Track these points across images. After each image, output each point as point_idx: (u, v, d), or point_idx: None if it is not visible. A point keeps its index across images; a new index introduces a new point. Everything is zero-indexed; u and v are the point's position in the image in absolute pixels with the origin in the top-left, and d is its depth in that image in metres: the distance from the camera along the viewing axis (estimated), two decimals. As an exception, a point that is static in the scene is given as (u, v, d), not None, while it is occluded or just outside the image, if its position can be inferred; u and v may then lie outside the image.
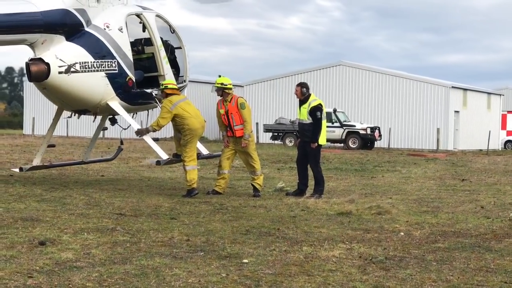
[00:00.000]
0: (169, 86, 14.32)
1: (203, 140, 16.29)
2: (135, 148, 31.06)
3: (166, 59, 15.70)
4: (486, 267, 7.77)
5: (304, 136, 14.51)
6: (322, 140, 14.39)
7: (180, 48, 16.58)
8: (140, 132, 14.55)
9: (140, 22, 15.78)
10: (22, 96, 72.61)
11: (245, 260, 7.72)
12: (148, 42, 15.84)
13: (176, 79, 16.23)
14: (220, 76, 14.64)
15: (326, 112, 47.66)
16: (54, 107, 16.35)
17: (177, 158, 15.23)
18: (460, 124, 52.02)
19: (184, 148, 13.98)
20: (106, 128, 16.98)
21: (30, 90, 59.18)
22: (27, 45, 14.24)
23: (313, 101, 14.35)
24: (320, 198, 13.87)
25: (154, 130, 14.21)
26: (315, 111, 14.23)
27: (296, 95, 14.74)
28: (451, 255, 8.39)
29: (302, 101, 14.49)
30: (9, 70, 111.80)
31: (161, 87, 14.51)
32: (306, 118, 14.35)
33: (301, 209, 12.29)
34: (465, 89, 53.60)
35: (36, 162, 16.43)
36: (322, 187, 14.44)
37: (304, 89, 14.52)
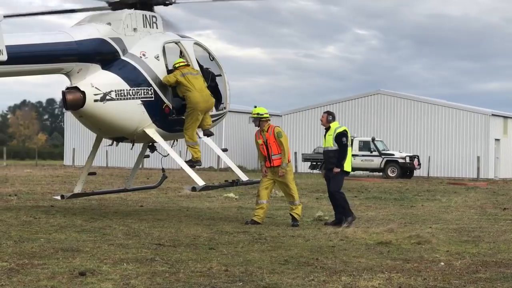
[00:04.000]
0: (178, 64, 15.18)
1: (241, 169, 16.36)
2: (174, 178, 31.17)
3: (205, 86, 15.77)
4: (528, 298, 7.65)
5: (329, 163, 14.45)
6: (348, 167, 14.33)
7: (220, 75, 16.68)
8: None
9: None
10: (62, 127, 73.59)
11: (284, 291, 7.69)
12: None
13: (217, 107, 16.35)
14: (255, 107, 14.71)
15: (364, 141, 47.14)
16: (94, 138, 16.55)
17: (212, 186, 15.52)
18: (501, 152, 51.43)
19: (185, 120, 15.09)
20: (148, 156, 17.13)
21: (70, 121, 59.90)
22: (63, 74, 14.50)
23: (338, 128, 14.35)
24: (351, 224, 13.79)
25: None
26: (341, 136, 14.22)
27: (321, 121, 14.71)
28: (492, 286, 8.28)
29: (327, 129, 14.49)
30: (50, 101, 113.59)
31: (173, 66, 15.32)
32: (331, 145, 14.32)
33: (340, 238, 12.22)
34: (505, 117, 53.06)
35: (77, 189, 16.63)
36: (350, 214, 14.33)
37: (330, 117, 14.54)
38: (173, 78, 14.97)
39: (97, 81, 14.37)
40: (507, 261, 10.19)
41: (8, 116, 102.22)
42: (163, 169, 17.36)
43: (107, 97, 14.37)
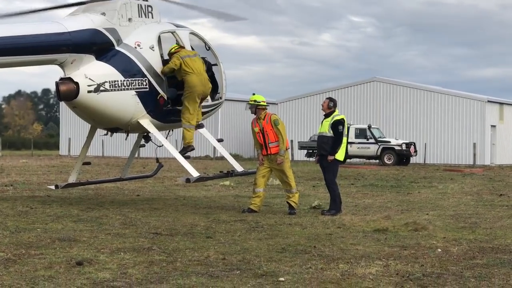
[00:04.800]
0: (174, 49, 15.26)
1: (237, 158, 16.35)
2: (170, 167, 31.15)
3: (204, 69, 15.71)
4: (526, 284, 7.65)
5: (322, 149, 14.35)
6: (340, 156, 14.25)
7: (216, 65, 16.63)
8: None
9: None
10: (58, 117, 73.46)
11: (282, 278, 7.70)
12: None
13: (213, 96, 16.31)
14: (254, 94, 14.68)
15: (360, 129, 47.28)
16: (89, 128, 16.51)
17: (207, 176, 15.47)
18: (497, 138, 51.49)
19: (182, 104, 15.10)
20: (144, 145, 17.10)
21: (66, 111, 59.78)
22: (57, 64, 14.42)
23: (336, 116, 14.30)
24: (336, 215, 13.72)
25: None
26: (338, 124, 14.16)
27: (322, 106, 14.64)
28: (489, 272, 8.28)
29: (326, 116, 14.44)
30: (46, 91, 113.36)
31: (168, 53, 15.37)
32: (326, 131, 14.26)
33: (337, 226, 12.23)
34: (501, 103, 53.09)
35: (72, 179, 16.58)
36: (339, 205, 14.28)
37: (332, 103, 14.44)
38: (177, 62, 14.91)
39: (91, 72, 14.30)
40: (503, 247, 10.20)
41: (3, 106, 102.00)
42: (157, 159, 17.34)
43: (101, 88, 14.30)
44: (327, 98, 14.72)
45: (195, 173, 14.54)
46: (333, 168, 14.30)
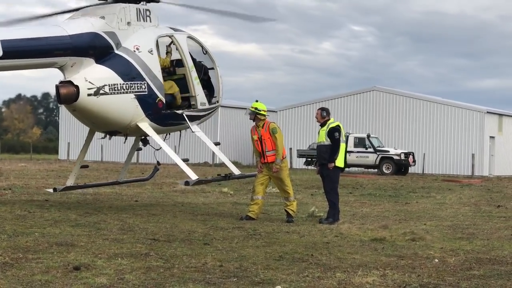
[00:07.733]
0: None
1: (236, 165, 16.40)
2: (169, 173, 31.15)
3: (198, 80, 15.89)
4: (522, 295, 7.66)
5: (322, 158, 14.41)
6: (340, 163, 14.27)
7: (212, 68, 16.73)
8: None
9: (172, 43, 16.00)
10: (57, 121, 73.47)
11: (278, 286, 7.70)
12: (180, 63, 16.01)
13: (209, 100, 16.38)
14: (257, 101, 14.69)
15: (359, 138, 47.17)
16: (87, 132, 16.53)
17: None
18: (496, 149, 51.52)
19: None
20: (141, 149, 17.21)
21: (65, 116, 59.80)
22: (57, 68, 14.47)
23: (331, 123, 14.34)
24: (333, 224, 13.72)
25: None
26: (333, 131, 14.19)
27: (316, 118, 14.72)
28: (486, 283, 8.29)
29: (322, 125, 14.49)
30: (45, 95, 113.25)
31: None
32: (324, 140, 14.30)
33: (335, 235, 12.24)
34: (500, 114, 53.15)
35: (70, 182, 16.64)
36: (337, 213, 14.28)
37: (324, 112, 14.51)
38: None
39: (91, 75, 14.36)
40: (500, 258, 10.21)
41: (3, 110, 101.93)
42: (158, 162, 17.37)
43: (101, 91, 14.37)
44: (319, 109, 14.78)
45: (194, 176, 14.58)
46: (334, 176, 14.31)
